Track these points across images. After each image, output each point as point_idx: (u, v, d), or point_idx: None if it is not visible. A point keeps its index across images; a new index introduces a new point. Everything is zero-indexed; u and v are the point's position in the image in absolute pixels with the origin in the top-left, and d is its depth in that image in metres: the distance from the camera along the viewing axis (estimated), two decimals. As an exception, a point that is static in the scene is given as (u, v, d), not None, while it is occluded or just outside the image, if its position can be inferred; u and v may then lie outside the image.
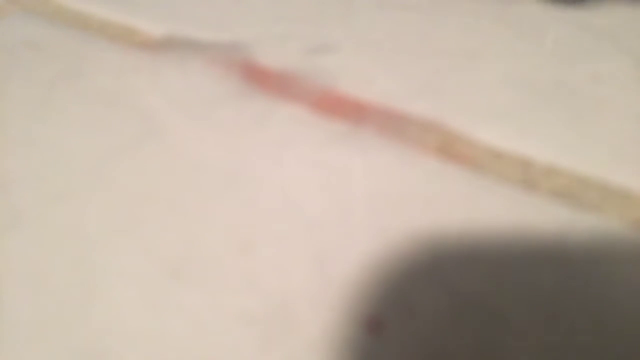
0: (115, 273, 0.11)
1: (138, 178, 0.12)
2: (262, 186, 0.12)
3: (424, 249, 0.11)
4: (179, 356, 0.10)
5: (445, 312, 0.10)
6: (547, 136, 0.13)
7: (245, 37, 0.17)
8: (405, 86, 0.15)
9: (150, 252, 0.11)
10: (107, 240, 0.11)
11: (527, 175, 0.12)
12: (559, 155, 0.13)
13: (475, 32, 0.17)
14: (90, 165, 0.13)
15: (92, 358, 0.10)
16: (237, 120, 0.14)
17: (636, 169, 0.12)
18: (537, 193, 0.12)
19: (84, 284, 0.11)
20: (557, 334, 0.10)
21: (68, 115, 0.14)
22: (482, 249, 0.11)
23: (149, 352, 0.10)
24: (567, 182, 0.12)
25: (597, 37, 0.16)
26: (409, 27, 0.17)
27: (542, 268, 0.11)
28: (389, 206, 0.12)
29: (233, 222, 0.11)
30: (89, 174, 0.12)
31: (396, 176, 0.12)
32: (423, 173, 0.12)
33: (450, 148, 0.13)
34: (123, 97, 0.14)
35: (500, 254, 0.11)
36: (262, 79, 0.15)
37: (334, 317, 0.10)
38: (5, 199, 0.12)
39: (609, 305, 0.10)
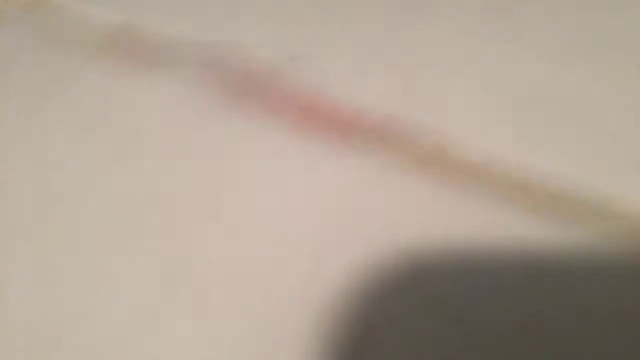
0: (104, 287, 0.11)
1: (125, 192, 0.12)
2: (249, 202, 0.12)
3: (410, 261, 0.11)
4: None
5: (430, 325, 0.10)
6: (529, 149, 0.13)
7: (227, 44, 0.17)
8: (390, 96, 0.15)
9: (139, 267, 0.11)
10: (93, 254, 0.11)
11: (510, 190, 0.12)
12: (540, 168, 0.13)
13: (455, 40, 0.17)
14: (79, 176, 0.13)
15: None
16: (222, 133, 0.14)
17: (616, 181, 0.12)
18: (519, 206, 0.12)
19: (73, 300, 0.11)
20: (541, 347, 0.10)
21: (56, 125, 0.14)
22: (467, 262, 0.11)
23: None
24: (548, 195, 0.12)
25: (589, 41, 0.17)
26: (393, 34, 0.17)
27: (527, 282, 0.11)
28: (374, 218, 0.12)
29: (219, 237, 0.12)
30: (78, 185, 0.12)
31: (380, 188, 0.12)
32: (404, 187, 0.12)
33: (434, 161, 0.13)
34: (111, 105, 0.14)
35: (486, 268, 0.11)
36: (247, 90, 0.15)
37: (322, 330, 0.10)
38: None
39: (592, 319, 0.10)
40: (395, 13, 0.18)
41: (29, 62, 0.16)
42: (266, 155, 0.13)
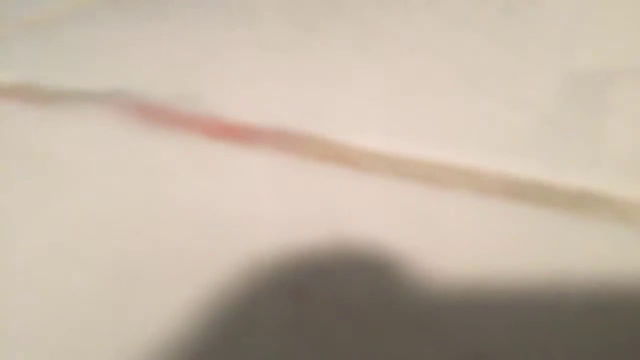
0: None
1: (66, 218, 0.13)
2: (170, 200, 0.14)
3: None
4: None
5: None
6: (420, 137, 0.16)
7: (124, 81, 0.18)
8: (284, 107, 0.17)
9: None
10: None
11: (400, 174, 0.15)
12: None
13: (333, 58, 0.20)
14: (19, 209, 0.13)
15: None
16: (138, 157, 0.15)
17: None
18: (413, 189, 0.14)
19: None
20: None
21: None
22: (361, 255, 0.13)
23: None
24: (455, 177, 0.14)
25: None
26: (274, 60, 0.20)
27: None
28: (283, 210, 0.13)
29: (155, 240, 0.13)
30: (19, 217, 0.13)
31: (291, 189, 0.14)
32: (318, 182, 0.14)
33: (329, 158, 0.15)
34: (26, 150, 0.15)
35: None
36: (153, 117, 0.17)
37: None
38: None
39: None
40: (260, 48, 0.21)
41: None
42: (178, 163, 0.15)
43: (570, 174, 0.14)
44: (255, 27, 0.23)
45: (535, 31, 0.22)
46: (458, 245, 0.12)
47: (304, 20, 0.24)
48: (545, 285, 0.11)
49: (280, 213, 0.13)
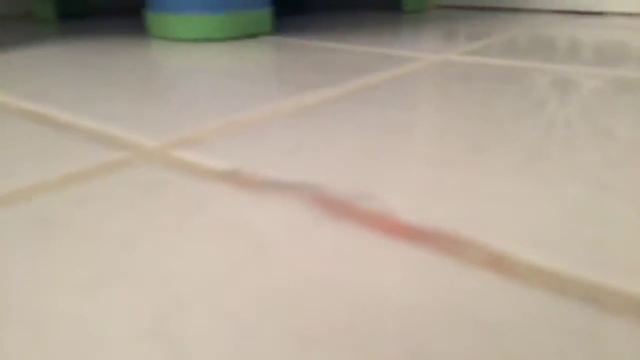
0: None
1: (259, 288, 0.16)
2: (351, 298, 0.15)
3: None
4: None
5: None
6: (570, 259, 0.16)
7: (313, 177, 0.22)
8: (450, 213, 0.19)
9: None
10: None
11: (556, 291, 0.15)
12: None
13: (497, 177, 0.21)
14: (215, 277, 0.16)
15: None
16: (317, 242, 0.17)
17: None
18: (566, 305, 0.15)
19: None
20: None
21: (193, 242, 0.18)
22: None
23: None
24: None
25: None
26: (442, 172, 0.22)
27: None
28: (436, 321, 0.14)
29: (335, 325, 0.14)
30: (214, 283, 0.16)
31: (449, 288, 0.15)
32: (474, 285, 0.15)
33: (488, 266, 0.16)
34: (238, 219, 0.19)
35: None
36: (333, 210, 0.19)
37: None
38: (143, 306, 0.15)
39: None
40: (433, 161, 0.23)
41: (175, 191, 0.21)
42: (349, 251, 0.17)
43: None
44: (430, 143, 0.26)
45: None
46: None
47: (471, 140, 0.26)
48: None
49: (433, 312, 0.14)
